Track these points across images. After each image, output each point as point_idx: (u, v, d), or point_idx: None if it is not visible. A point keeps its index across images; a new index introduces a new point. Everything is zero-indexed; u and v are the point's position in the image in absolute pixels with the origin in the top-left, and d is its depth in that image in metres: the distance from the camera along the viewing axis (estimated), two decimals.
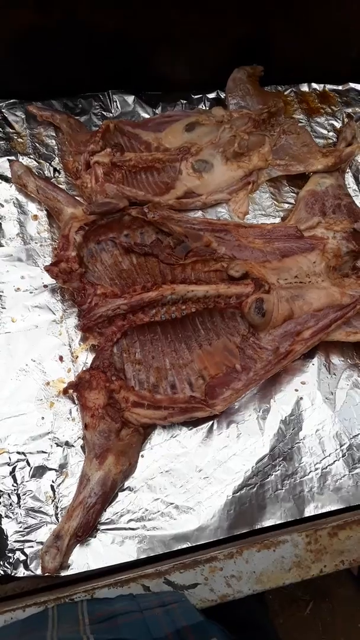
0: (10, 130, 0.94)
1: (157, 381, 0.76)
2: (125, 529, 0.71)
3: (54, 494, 0.72)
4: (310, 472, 0.78)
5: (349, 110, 1.09)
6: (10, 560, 0.67)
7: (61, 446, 0.75)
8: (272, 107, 0.98)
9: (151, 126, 0.96)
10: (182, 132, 0.95)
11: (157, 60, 0.96)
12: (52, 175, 0.92)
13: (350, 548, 0.69)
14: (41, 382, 0.78)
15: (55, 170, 0.93)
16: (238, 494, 0.75)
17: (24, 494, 0.71)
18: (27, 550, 0.68)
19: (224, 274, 0.81)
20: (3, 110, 0.95)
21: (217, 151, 0.94)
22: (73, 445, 0.75)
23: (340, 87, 1.10)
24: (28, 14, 0.83)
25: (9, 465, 0.72)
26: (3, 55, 0.90)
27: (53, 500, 0.71)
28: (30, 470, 0.73)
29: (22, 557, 0.68)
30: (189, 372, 0.77)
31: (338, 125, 1.07)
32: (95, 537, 0.70)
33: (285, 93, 1.08)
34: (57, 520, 0.70)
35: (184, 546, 0.71)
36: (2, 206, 0.88)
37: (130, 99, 1.01)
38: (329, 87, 1.10)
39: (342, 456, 0.80)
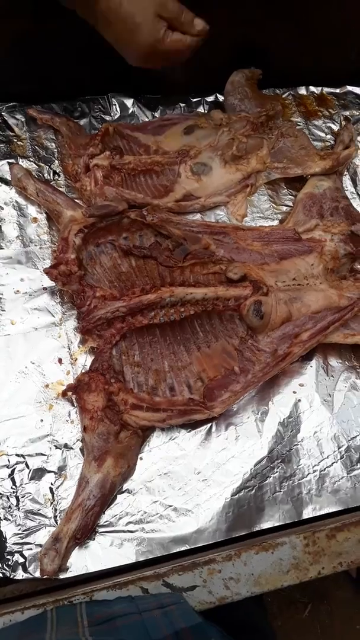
0: (10, 133, 0.94)
1: (155, 383, 0.76)
2: (123, 531, 0.71)
3: (53, 496, 0.72)
4: (308, 474, 0.78)
5: (347, 113, 1.09)
6: (9, 563, 0.67)
7: (60, 448, 0.75)
8: (270, 110, 0.99)
9: (150, 129, 0.96)
10: (181, 135, 0.96)
11: None
12: (51, 178, 0.92)
13: (349, 550, 0.69)
14: (40, 385, 0.78)
15: (54, 173, 0.93)
16: (236, 496, 0.75)
17: (22, 497, 0.71)
18: (26, 553, 0.68)
19: (222, 276, 0.82)
20: (3, 113, 0.95)
21: (215, 154, 0.94)
22: (72, 448, 0.75)
23: (337, 90, 1.11)
24: (27, 18, 0.83)
25: (7, 467, 0.72)
26: (3, 59, 0.90)
27: (52, 503, 0.72)
28: (29, 472, 0.73)
29: (21, 560, 0.68)
30: (188, 375, 0.77)
31: (336, 128, 1.07)
32: (93, 539, 0.70)
33: (283, 96, 1.09)
34: (56, 522, 0.70)
35: (183, 549, 0.71)
36: (2, 209, 0.88)
37: (129, 102, 1.01)
38: (326, 90, 1.10)
39: (340, 458, 0.80)
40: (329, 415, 0.82)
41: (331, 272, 0.87)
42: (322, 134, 1.07)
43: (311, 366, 0.85)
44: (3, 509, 0.70)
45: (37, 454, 0.74)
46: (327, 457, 0.80)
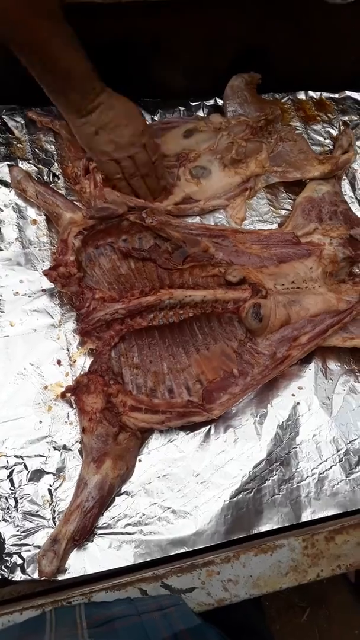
0: (10, 135, 0.94)
1: (154, 385, 0.76)
2: (122, 533, 0.71)
3: (52, 497, 0.72)
4: (307, 477, 0.78)
5: (345, 118, 1.10)
6: (8, 564, 0.67)
7: (59, 450, 0.75)
8: (269, 114, 0.99)
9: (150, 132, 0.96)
10: (181, 138, 0.96)
11: (155, 68, 0.97)
12: (51, 180, 0.92)
13: (347, 552, 0.69)
14: (39, 386, 0.78)
15: (54, 175, 0.93)
16: (235, 498, 0.75)
17: (21, 498, 0.71)
18: (25, 554, 0.68)
19: (221, 279, 0.82)
20: (3, 115, 0.95)
21: (215, 158, 0.95)
22: (71, 449, 0.75)
23: (336, 95, 1.11)
24: None
25: (6, 468, 0.72)
26: (2, 61, 0.90)
27: (50, 504, 0.71)
28: (27, 473, 0.73)
29: (19, 561, 0.68)
30: (187, 377, 0.77)
31: (334, 132, 1.08)
32: (92, 541, 0.70)
33: (283, 101, 1.09)
34: (55, 524, 0.70)
35: (181, 551, 0.71)
36: (2, 211, 0.88)
37: None
38: (325, 95, 1.11)
39: (339, 461, 0.80)
40: (327, 419, 0.82)
41: (330, 275, 0.88)
42: (321, 139, 1.07)
43: (310, 369, 0.85)
44: (1, 510, 0.70)
45: (35, 456, 0.74)
46: (326, 460, 0.80)
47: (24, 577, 0.67)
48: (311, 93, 1.11)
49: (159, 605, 0.60)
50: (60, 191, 0.89)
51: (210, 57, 0.98)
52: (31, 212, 0.89)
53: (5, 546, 0.68)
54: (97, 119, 0.79)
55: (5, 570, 0.67)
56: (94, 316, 0.77)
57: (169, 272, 0.82)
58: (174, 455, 0.77)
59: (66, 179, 0.93)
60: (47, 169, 0.93)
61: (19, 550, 0.68)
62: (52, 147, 0.95)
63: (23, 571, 0.67)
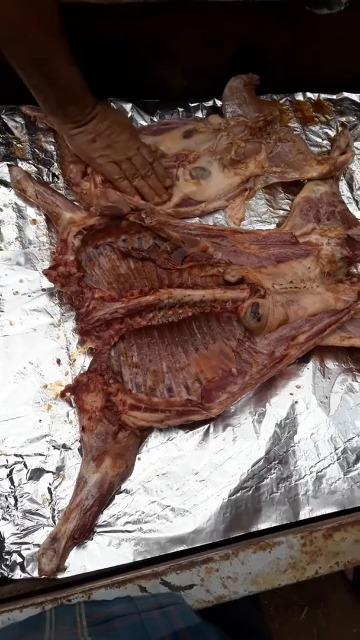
0: (10, 135, 0.94)
1: (154, 384, 0.76)
2: (121, 531, 0.71)
3: (51, 496, 0.72)
4: (305, 475, 0.79)
5: (343, 119, 1.10)
6: (7, 563, 0.67)
7: (58, 449, 0.75)
8: (268, 115, 1.00)
9: (149, 133, 0.97)
10: (180, 139, 0.96)
11: (154, 69, 0.97)
12: (50, 180, 0.93)
13: (345, 550, 0.70)
14: (39, 385, 0.78)
15: (54, 175, 0.93)
16: (234, 497, 0.75)
17: (21, 497, 0.71)
18: (24, 553, 0.68)
19: (220, 278, 0.82)
20: (2, 115, 0.95)
21: (214, 158, 0.95)
22: (70, 448, 0.75)
23: (334, 97, 1.12)
24: None
25: (6, 467, 0.73)
26: (3, 61, 0.90)
27: (50, 503, 0.72)
28: (27, 472, 0.73)
29: (19, 560, 0.68)
30: (186, 376, 0.77)
31: (332, 133, 1.08)
32: (92, 539, 0.70)
33: (281, 102, 1.10)
34: (54, 522, 0.70)
35: (180, 549, 0.71)
36: (1, 210, 0.88)
37: (128, 106, 1.02)
38: (323, 96, 1.12)
39: (337, 459, 0.80)
40: (325, 417, 0.83)
41: (328, 275, 0.88)
42: (319, 140, 1.08)
43: (308, 368, 0.86)
44: (1, 508, 0.70)
45: (35, 454, 0.74)
46: (324, 458, 0.80)
47: (23, 575, 0.67)
48: (309, 94, 1.11)
49: (159, 603, 0.61)
50: (60, 191, 0.90)
51: (209, 59, 0.98)
52: (31, 212, 0.89)
53: (5, 544, 0.68)
54: (94, 128, 0.82)
55: (5, 568, 0.67)
56: (93, 315, 0.77)
57: (168, 271, 0.82)
58: (173, 453, 0.77)
59: (65, 179, 0.93)
60: (46, 169, 0.94)
61: (18, 549, 0.68)
62: (52, 147, 0.95)
63: (23, 569, 0.67)
